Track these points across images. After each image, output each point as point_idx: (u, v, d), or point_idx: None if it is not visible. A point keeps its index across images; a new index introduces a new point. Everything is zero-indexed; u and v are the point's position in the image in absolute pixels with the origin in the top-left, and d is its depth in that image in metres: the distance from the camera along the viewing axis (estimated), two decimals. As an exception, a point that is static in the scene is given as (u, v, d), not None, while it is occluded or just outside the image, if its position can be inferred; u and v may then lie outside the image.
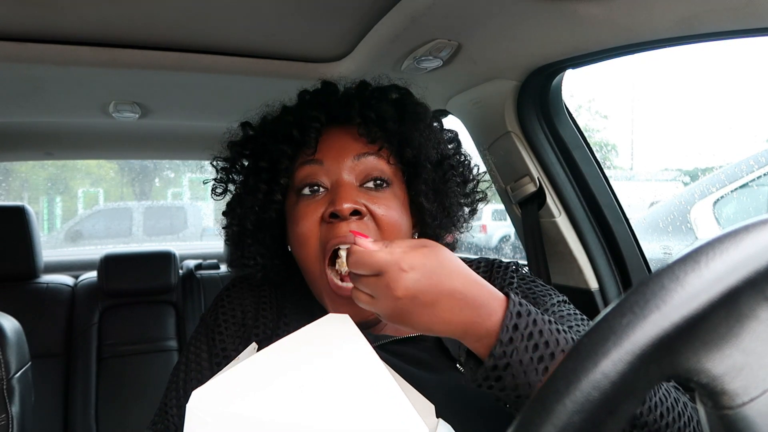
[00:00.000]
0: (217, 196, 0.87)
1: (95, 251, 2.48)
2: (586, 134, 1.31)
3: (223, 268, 2.36)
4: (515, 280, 0.85)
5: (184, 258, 2.33)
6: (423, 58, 1.06)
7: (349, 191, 0.73)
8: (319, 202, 0.75)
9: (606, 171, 1.30)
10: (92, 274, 2.11)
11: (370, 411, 0.49)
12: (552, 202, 1.30)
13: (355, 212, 0.72)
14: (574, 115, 1.31)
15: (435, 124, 0.85)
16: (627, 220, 1.29)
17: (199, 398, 0.52)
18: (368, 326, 0.82)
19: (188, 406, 0.51)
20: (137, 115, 1.54)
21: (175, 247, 2.28)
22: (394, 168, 0.79)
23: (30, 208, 1.97)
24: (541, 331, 0.56)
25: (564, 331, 0.59)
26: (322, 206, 0.74)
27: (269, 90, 1.37)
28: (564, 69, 1.16)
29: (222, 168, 0.87)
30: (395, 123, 0.78)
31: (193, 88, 1.34)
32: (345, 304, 0.72)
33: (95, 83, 1.27)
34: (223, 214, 0.87)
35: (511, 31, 0.97)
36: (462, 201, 0.86)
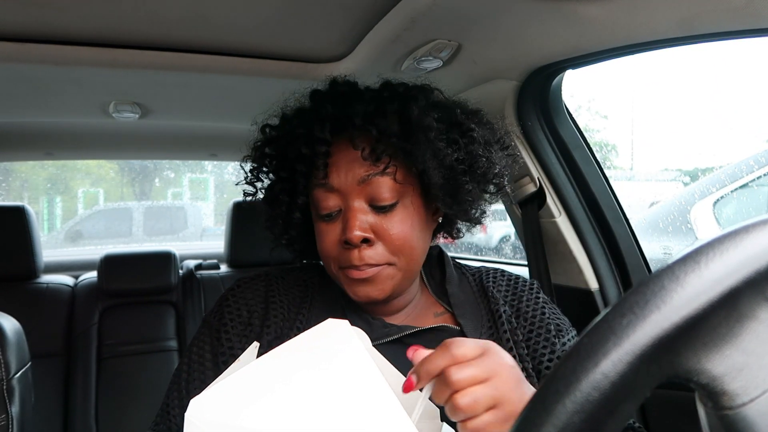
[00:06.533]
0: (246, 197, 0.88)
1: (95, 251, 2.48)
2: (586, 134, 1.31)
3: (223, 268, 2.35)
4: (540, 300, 0.88)
5: (184, 258, 2.32)
6: (423, 58, 1.06)
7: (358, 218, 0.75)
8: (335, 225, 0.78)
9: (606, 171, 1.30)
10: (92, 274, 2.10)
11: (364, 421, 0.50)
12: (552, 202, 1.30)
13: (365, 240, 0.75)
14: (574, 115, 1.31)
15: (440, 125, 0.79)
16: (627, 220, 1.29)
17: (197, 407, 0.52)
18: (389, 313, 0.85)
19: (186, 414, 0.52)
20: (137, 115, 1.54)
21: (175, 247, 2.27)
22: (403, 180, 0.77)
23: (30, 208, 1.97)
24: None
25: None
26: (337, 229, 0.77)
27: (269, 90, 1.36)
28: (564, 69, 1.16)
29: (250, 170, 0.87)
30: (399, 139, 0.76)
31: (193, 88, 1.34)
32: (362, 284, 0.78)
33: (95, 83, 1.27)
34: (263, 202, 0.89)
35: (511, 31, 0.97)
36: (481, 199, 0.85)
